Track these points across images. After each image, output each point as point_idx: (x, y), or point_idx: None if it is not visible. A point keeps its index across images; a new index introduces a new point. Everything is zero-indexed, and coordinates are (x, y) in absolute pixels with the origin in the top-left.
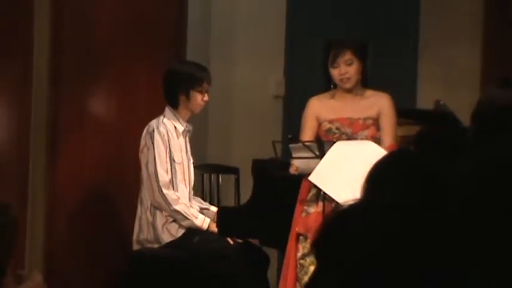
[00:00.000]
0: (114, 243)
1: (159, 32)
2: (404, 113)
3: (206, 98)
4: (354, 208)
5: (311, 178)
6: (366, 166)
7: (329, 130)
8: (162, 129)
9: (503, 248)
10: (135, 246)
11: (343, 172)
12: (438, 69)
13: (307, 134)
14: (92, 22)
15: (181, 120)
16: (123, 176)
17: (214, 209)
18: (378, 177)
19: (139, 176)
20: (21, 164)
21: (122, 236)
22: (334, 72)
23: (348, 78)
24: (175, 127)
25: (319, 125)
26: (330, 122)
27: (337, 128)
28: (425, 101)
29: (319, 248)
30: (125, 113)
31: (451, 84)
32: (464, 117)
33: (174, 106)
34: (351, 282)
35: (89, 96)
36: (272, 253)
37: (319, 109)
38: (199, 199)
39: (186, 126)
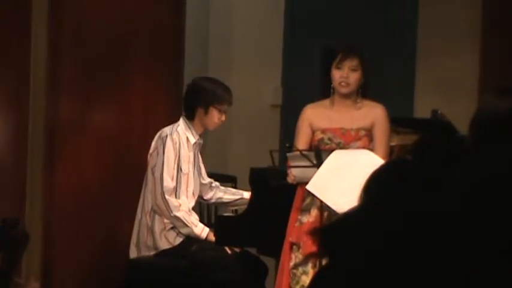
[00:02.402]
0: (112, 250)
1: (157, 41)
2: (402, 121)
3: (223, 118)
4: (358, 211)
5: (308, 187)
6: (363, 175)
7: (321, 140)
8: (175, 136)
9: (500, 250)
10: (133, 250)
11: (341, 181)
12: (436, 78)
13: (301, 141)
14: (90, 28)
15: (194, 132)
16: (121, 183)
17: (246, 194)
18: (376, 186)
19: (137, 182)
20: (19, 170)
21: (119, 243)
22: (336, 74)
23: (348, 84)
24: (187, 138)
25: (313, 133)
26: (323, 131)
27: (329, 139)
28: (422, 110)
29: (324, 244)
30: (122, 119)
31: (449, 93)
32: (462, 127)
33: (190, 118)
34: (354, 279)
35: (86, 102)
36: (270, 262)
37: (313, 117)
38: (231, 189)
39: (198, 139)
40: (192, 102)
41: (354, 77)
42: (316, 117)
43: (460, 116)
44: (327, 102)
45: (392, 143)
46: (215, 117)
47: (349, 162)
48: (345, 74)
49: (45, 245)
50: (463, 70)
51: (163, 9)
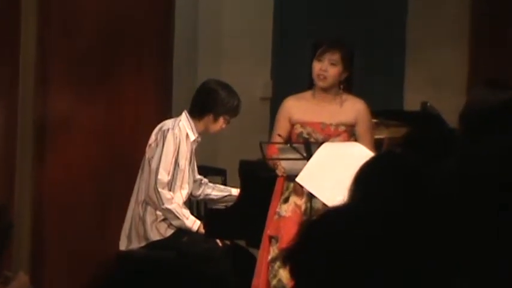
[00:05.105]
0: (101, 242)
1: (146, 35)
2: (391, 114)
3: (224, 125)
4: (334, 213)
5: (298, 180)
6: (353, 168)
7: (300, 134)
8: (176, 131)
9: (484, 247)
10: (123, 241)
11: (331, 174)
12: (425, 71)
13: (277, 135)
14: (79, 22)
15: (194, 130)
16: (110, 177)
17: (234, 191)
18: (365, 179)
19: (127, 175)
20: (8, 164)
21: (109, 234)
22: (316, 66)
23: (325, 77)
24: (187, 134)
25: (292, 126)
26: (302, 125)
27: (308, 134)
28: (412, 102)
29: (296, 254)
30: (111, 114)
31: (438, 86)
32: (451, 119)
33: (196, 117)
34: (353, 270)
35: (75, 98)
36: None
37: (293, 110)
38: (219, 186)
39: (197, 137)
40: (204, 105)
41: (333, 71)
42: (296, 109)
43: (450, 108)
44: (308, 94)
45: (382, 136)
46: (221, 125)
47: (339, 154)
48: (324, 67)
49: (35, 237)
50: (452, 63)
51: (153, 3)
